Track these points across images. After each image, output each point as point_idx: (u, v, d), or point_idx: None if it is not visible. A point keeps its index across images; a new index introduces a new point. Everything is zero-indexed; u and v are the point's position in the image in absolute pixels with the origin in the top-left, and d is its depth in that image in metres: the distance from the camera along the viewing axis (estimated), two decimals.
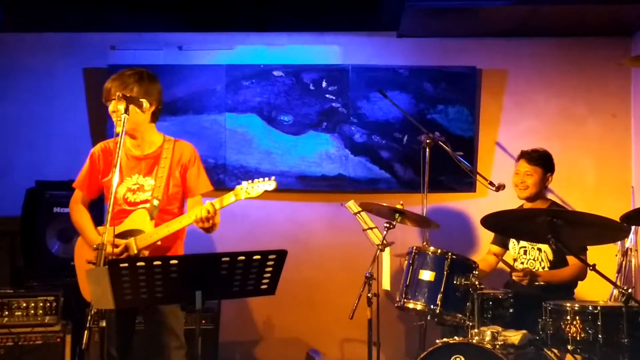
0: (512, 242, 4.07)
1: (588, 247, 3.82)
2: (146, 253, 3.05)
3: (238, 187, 3.12)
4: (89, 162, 3.28)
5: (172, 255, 3.13)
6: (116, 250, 3.03)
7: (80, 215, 3.28)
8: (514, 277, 3.80)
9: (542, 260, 3.94)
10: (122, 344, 3.11)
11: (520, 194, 4.00)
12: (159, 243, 3.08)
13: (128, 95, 2.96)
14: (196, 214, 3.04)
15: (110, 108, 3.10)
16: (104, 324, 2.74)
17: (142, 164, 3.21)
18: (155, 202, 3.13)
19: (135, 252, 3.06)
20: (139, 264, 2.39)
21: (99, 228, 3.18)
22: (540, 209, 3.83)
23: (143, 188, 3.18)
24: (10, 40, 4.93)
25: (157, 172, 3.18)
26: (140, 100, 3.05)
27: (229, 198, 3.09)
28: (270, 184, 3.15)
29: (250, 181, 3.14)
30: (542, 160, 3.98)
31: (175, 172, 3.21)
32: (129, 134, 3.15)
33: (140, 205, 3.15)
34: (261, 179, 3.15)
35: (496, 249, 4.21)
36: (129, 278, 2.40)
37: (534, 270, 3.88)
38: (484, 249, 4.49)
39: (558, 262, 3.89)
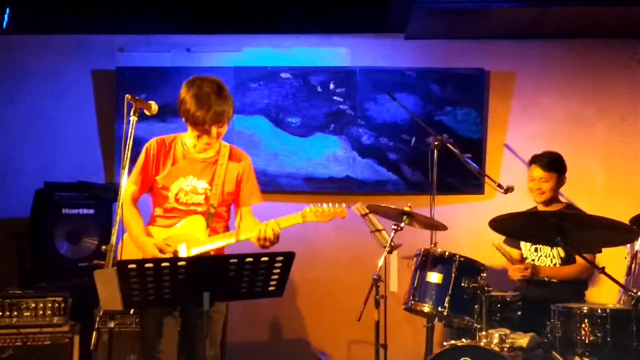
0: (522, 242, 4.10)
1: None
2: None
3: (307, 208, 3.10)
4: (144, 156, 3.16)
5: None
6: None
7: (128, 209, 3.10)
8: (512, 272, 3.77)
9: (553, 257, 3.98)
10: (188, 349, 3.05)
11: (537, 199, 4.07)
12: (212, 252, 3.04)
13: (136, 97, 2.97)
14: (260, 232, 3.00)
15: (214, 132, 3.03)
16: (112, 324, 2.74)
17: (198, 167, 3.16)
18: (212, 210, 3.11)
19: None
20: (147, 265, 2.40)
21: (149, 228, 3.13)
22: (548, 211, 3.87)
23: (196, 190, 3.13)
24: (19, 42, 4.95)
25: (214, 179, 3.14)
26: (149, 102, 3.05)
27: (296, 219, 3.08)
28: (341, 211, 3.11)
29: (319, 205, 3.10)
30: (555, 165, 4.04)
31: (230, 179, 3.18)
32: (212, 142, 3.10)
33: (192, 207, 3.12)
34: (330, 205, 3.11)
35: (516, 252, 4.20)
36: (137, 279, 2.40)
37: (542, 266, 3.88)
38: (492, 252, 4.47)
39: (570, 260, 3.92)
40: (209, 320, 2.98)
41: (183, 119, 3.11)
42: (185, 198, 3.13)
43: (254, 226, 3.08)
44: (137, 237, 3.04)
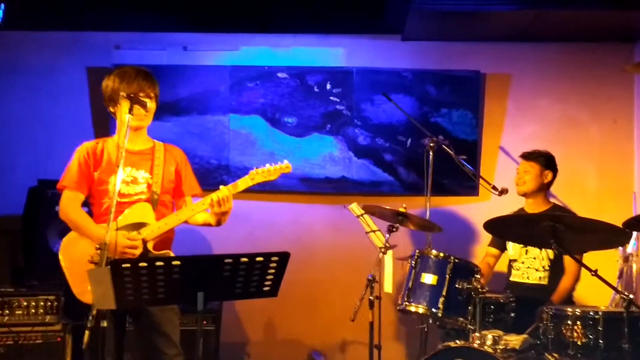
0: (512, 243, 4.12)
1: (590, 252, 3.83)
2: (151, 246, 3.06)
3: (252, 171, 3.17)
4: (78, 161, 3.17)
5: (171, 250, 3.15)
6: (136, 251, 3.00)
7: (80, 213, 3.16)
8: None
9: (542, 258, 4.02)
10: (117, 351, 3.07)
11: (518, 190, 4.14)
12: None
13: (132, 95, 2.98)
14: (211, 198, 3.07)
15: (150, 105, 3.14)
16: (105, 324, 2.72)
17: (135, 158, 3.18)
18: (155, 197, 3.14)
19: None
20: (141, 264, 2.39)
21: (103, 225, 3.11)
22: (543, 214, 3.90)
23: (137, 181, 3.16)
24: (14, 39, 4.93)
25: (153, 168, 3.19)
26: (144, 100, 3.06)
27: (245, 181, 3.14)
28: (286, 167, 3.21)
29: (263, 166, 3.19)
30: (539, 158, 4.10)
31: (169, 169, 3.24)
32: (137, 129, 3.19)
33: (136, 197, 3.13)
34: (274, 164, 3.21)
35: (494, 251, 4.25)
36: (131, 279, 2.39)
37: (552, 294, 3.91)
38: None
39: (558, 260, 3.97)
40: (157, 321, 3.03)
41: (110, 109, 3.20)
42: (126, 189, 3.13)
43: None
44: (98, 238, 2.99)
